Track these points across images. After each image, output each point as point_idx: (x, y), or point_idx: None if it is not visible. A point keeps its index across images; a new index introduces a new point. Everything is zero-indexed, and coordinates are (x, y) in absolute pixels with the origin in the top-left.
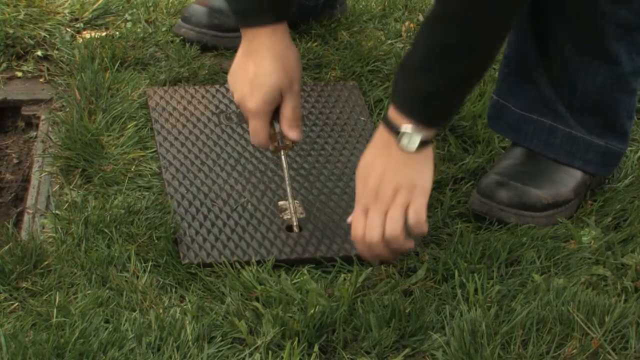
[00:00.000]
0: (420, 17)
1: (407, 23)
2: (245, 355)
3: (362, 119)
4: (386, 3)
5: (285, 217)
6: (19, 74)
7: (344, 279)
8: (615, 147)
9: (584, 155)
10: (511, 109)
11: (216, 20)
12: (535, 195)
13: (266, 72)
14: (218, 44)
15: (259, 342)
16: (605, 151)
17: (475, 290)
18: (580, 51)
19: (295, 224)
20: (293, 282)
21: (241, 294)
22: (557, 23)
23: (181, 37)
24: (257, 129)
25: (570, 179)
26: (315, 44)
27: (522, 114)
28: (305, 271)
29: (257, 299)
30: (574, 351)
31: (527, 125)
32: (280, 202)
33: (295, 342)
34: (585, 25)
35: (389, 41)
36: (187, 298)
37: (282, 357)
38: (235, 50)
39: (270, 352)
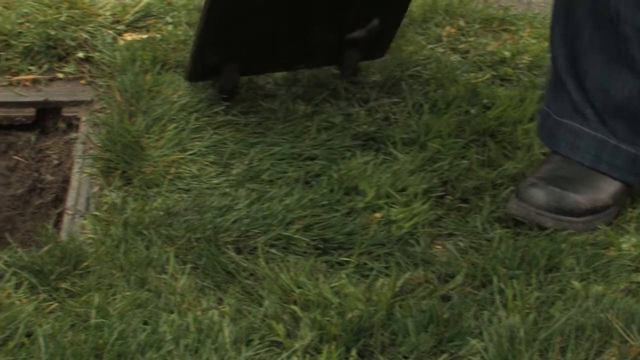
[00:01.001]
0: (461, 22)
1: (447, 28)
2: (283, 358)
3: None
4: (427, 8)
5: None
6: (61, 75)
7: (382, 284)
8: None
9: (611, 160)
10: (551, 116)
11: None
12: (574, 200)
13: None
14: None
15: (297, 346)
16: (635, 158)
17: (514, 296)
18: (607, 58)
19: None
20: (331, 285)
21: (279, 297)
22: (586, 28)
23: None
24: None
25: (609, 185)
26: None
27: (556, 119)
28: (344, 275)
29: (295, 303)
30: (613, 358)
31: (559, 129)
32: None
33: (333, 346)
34: (610, 31)
35: (430, 46)
36: (225, 300)
37: None
38: None
39: (307, 356)
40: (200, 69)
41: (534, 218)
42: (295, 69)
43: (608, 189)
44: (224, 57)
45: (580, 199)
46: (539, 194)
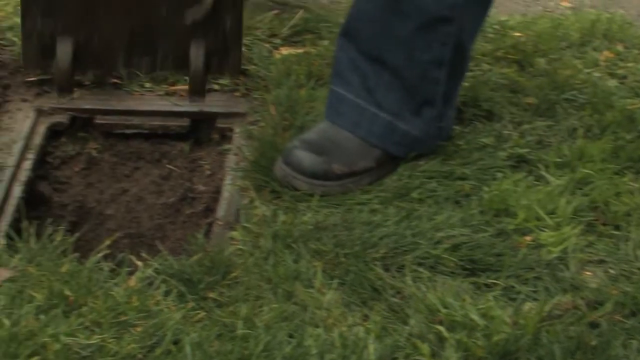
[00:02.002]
0: (620, 47)
1: (605, 52)
2: None
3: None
4: (585, 32)
5: None
6: (216, 86)
7: (530, 308)
8: (403, 126)
9: (370, 127)
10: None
11: None
12: (329, 166)
13: None
14: None
15: None
16: (394, 127)
17: None
18: (380, 31)
19: None
20: (478, 307)
21: (425, 317)
22: None
23: None
24: None
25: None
26: (511, 69)
27: (330, 87)
28: (491, 297)
29: (441, 323)
30: None
31: (330, 96)
32: None
33: None
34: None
35: (587, 70)
36: (371, 317)
37: None
38: None
39: None
40: (33, 46)
41: (290, 180)
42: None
43: (370, 151)
44: (55, 24)
45: (336, 164)
46: (298, 158)
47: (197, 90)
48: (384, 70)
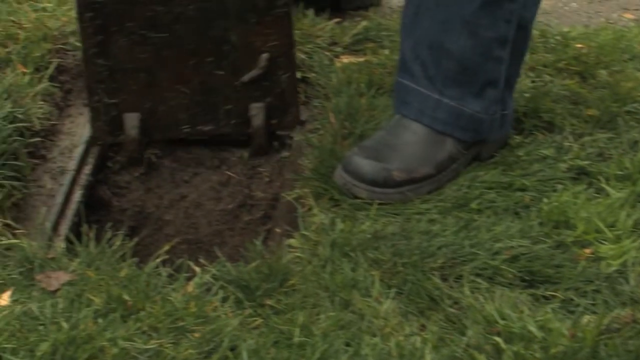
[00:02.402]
0: None
1: None
2: None
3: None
4: None
5: None
6: None
7: (588, 321)
8: (468, 109)
9: (434, 113)
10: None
11: None
12: (389, 173)
13: None
14: None
15: None
16: (460, 113)
17: None
18: (441, 15)
19: None
20: (536, 319)
21: (483, 328)
22: None
23: None
24: None
25: (432, 155)
26: (573, 81)
27: (396, 78)
28: (549, 309)
29: (499, 334)
30: None
31: (396, 88)
32: None
33: None
34: None
35: None
36: (427, 327)
37: None
38: None
39: None
40: (100, 120)
41: (350, 188)
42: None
43: (430, 158)
44: (119, 102)
45: (395, 171)
46: (358, 165)
47: (259, 149)
48: (444, 55)
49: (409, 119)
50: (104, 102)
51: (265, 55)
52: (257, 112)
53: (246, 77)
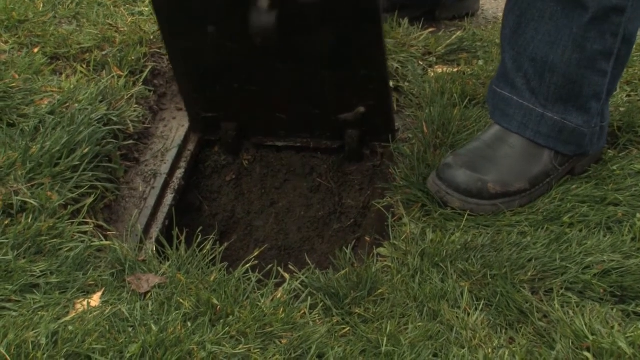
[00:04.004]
0: None
1: None
2: None
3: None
4: None
5: None
6: None
7: None
8: (571, 123)
9: (537, 127)
10: (492, 86)
11: None
12: (484, 184)
13: None
14: None
15: None
16: (562, 127)
17: None
18: (546, 27)
19: None
20: (626, 335)
21: (572, 342)
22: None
23: None
24: None
25: (527, 169)
26: None
27: (493, 88)
28: None
29: (588, 350)
30: None
31: (494, 97)
32: None
33: None
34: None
35: None
36: (516, 340)
37: None
38: None
39: None
40: (198, 122)
41: (443, 196)
42: (297, 137)
43: (526, 172)
44: (218, 114)
45: (491, 183)
46: (453, 174)
47: (351, 156)
48: (548, 69)
49: (510, 131)
50: (200, 116)
51: (361, 109)
52: (351, 137)
53: (342, 117)
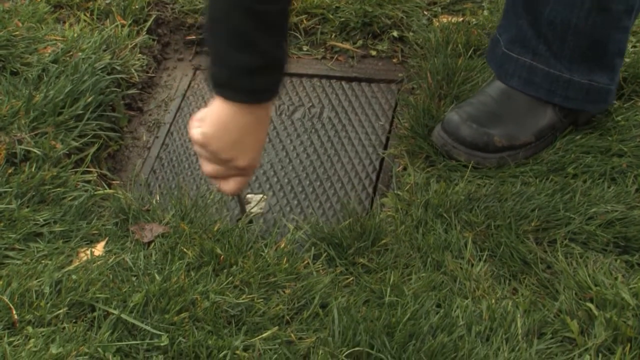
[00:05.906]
0: None
1: None
2: (575, 355)
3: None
4: None
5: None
6: (373, 52)
7: None
8: (598, 83)
9: (565, 92)
10: (501, 46)
11: None
12: (490, 138)
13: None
14: None
15: (590, 344)
16: (589, 88)
17: None
18: None
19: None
20: (630, 286)
21: (575, 293)
22: None
23: None
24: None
25: (532, 122)
26: None
27: (505, 51)
28: None
29: (592, 300)
30: None
31: (509, 62)
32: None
33: (627, 348)
34: None
35: None
36: (519, 291)
37: None
38: None
39: (600, 355)
40: None
41: (449, 150)
42: None
43: (532, 126)
44: None
45: (497, 137)
46: (459, 127)
47: None
48: (572, 32)
49: (541, 100)
50: None
51: None
52: None
53: None
